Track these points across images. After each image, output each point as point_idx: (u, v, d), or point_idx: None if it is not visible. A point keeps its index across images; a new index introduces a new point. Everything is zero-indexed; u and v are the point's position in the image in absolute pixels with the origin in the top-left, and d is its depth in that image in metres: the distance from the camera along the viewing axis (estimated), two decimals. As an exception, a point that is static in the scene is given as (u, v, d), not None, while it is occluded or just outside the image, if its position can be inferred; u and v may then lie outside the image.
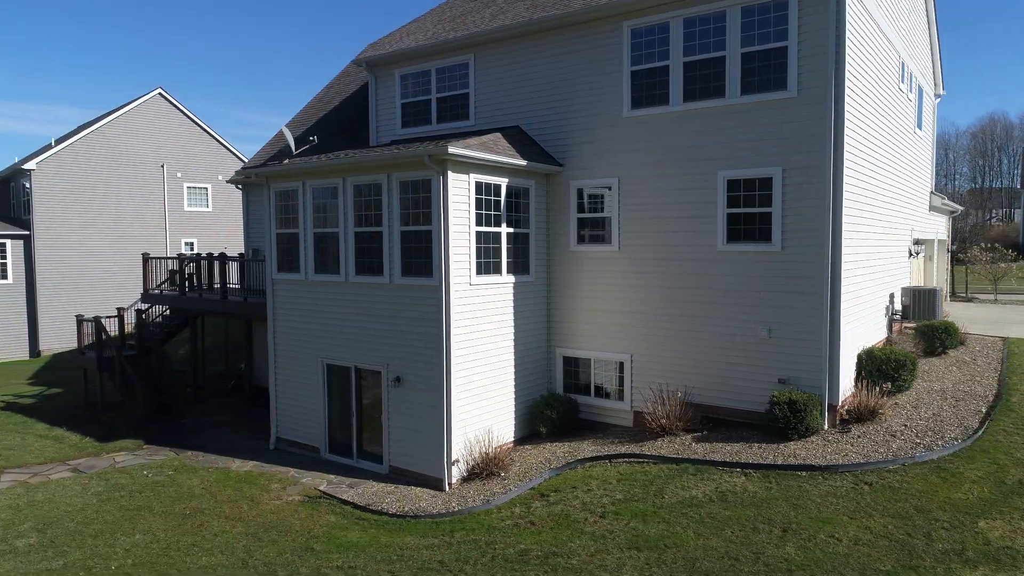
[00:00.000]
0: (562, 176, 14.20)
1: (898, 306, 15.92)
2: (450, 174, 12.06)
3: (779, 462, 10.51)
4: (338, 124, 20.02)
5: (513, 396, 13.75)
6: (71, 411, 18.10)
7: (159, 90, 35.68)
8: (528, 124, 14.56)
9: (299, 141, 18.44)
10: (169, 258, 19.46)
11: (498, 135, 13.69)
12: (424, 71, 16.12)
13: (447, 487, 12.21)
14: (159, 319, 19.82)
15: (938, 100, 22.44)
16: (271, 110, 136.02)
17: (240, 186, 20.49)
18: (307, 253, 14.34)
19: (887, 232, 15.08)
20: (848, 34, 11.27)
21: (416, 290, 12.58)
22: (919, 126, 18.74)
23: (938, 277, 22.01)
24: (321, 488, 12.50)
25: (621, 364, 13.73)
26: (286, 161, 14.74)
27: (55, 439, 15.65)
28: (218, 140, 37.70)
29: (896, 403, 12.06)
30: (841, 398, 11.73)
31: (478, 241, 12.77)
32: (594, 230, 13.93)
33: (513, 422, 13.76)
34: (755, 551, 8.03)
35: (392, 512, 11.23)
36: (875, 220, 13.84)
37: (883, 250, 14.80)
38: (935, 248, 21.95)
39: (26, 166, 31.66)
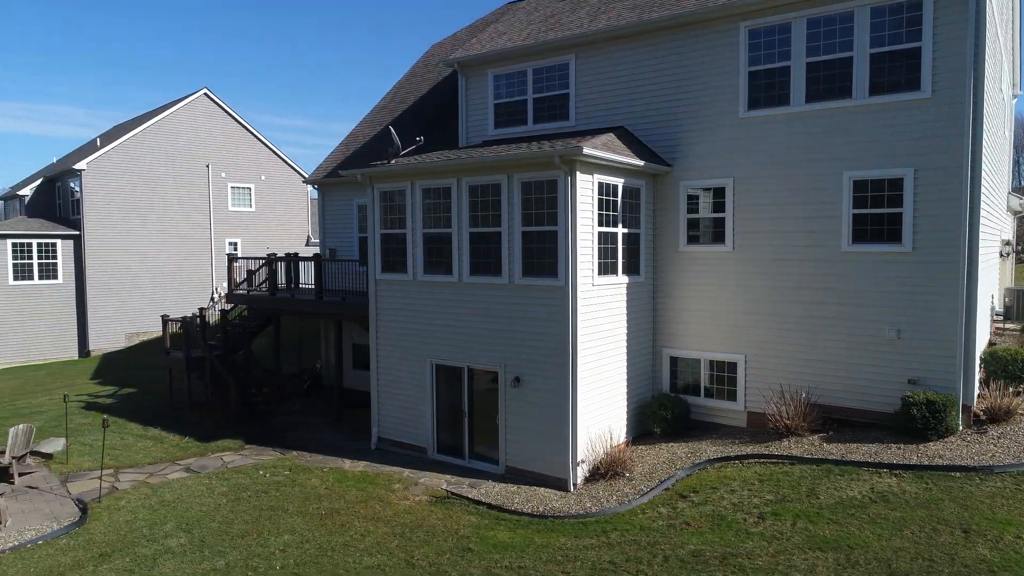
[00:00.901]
0: (671, 176, 14.21)
1: (999, 307, 15.91)
2: (578, 174, 12.08)
3: (925, 462, 10.50)
4: (416, 124, 20.03)
5: (625, 396, 13.77)
6: (156, 411, 18.11)
7: (204, 90, 35.73)
8: (632, 124, 14.57)
9: (378, 139, 18.45)
10: (252, 258, 19.46)
11: (611, 135, 13.70)
12: (520, 71, 16.12)
13: (572, 487, 12.22)
14: (236, 319, 19.85)
15: (1015, 100, 22.45)
16: (290, 112, 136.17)
17: (316, 187, 20.50)
18: (415, 254, 14.35)
19: (991, 233, 15.08)
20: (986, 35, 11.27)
21: (539, 290, 12.59)
22: (1004, 125, 18.74)
23: (1011, 277, 22.00)
24: (445, 488, 12.52)
25: (733, 364, 13.73)
26: (393, 162, 14.75)
27: (154, 439, 15.68)
28: (261, 140, 37.76)
29: None
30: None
31: (599, 242, 12.79)
32: (705, 230, 13.93)
33: (625, 422, 13.78)
34: (947, 552, 8.04)
35: (528, 512, 11.24)
36: (988, 221, 13.84)
37: (989, 251, 14.80)
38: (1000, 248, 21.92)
39: (76, 166, 31.72)
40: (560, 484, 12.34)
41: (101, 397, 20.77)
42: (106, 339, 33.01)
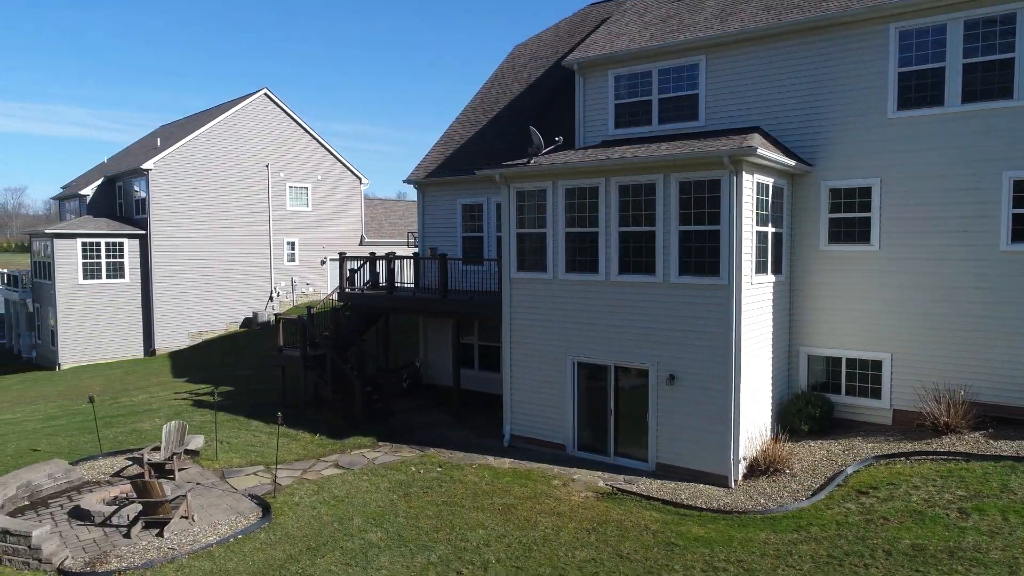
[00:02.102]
0: (812, 176, 14.34)
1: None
2: (743, 174, 12.21)
3: (1109, 459, 10.64)
4: (516, 123, 20.19)
5: (771, 394, 13.91)
6: (270, 408, 18.25)
7: (264, 90, 35.92)
8: (767, 124, 14.70)
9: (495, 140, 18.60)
10: (360, 258, 19.63)
11: (758, 135, 13.82)
12: (644, 72, 16.24)
13: (733, 484, 12.36)
14: (341, 317, 19.99)
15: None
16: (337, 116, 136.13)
17: (416, 186, 20.65)
18: (556, 252, 14.49)
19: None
20: None
21: (699, 289, 12.73)
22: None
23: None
24: (604, 484, 12.66)
25: (878, 363, 13.87)
26: (534, 161, 14.89)
27: (287, 436, 15.83)
28: (318, 140, 37.94)
29: None
30: None
31: (755, 241, 12.93)
32: (848, 229, 14.06)
33: (770, 420, 13.92)
34: None
35: (705, 507, 11.38)
36: None
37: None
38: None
39: (143, 165, 31.92)
40: (720, 480, 12.48)
41: (203, 395, 20.94)
42: (170, 338, 33.24)
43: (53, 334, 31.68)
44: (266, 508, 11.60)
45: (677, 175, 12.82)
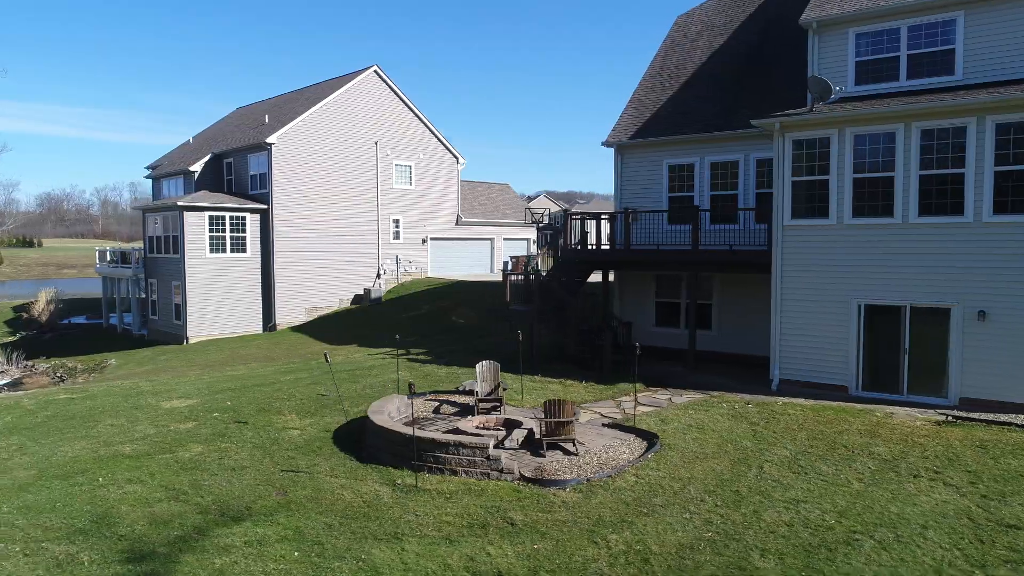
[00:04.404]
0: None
1: None
2: (1073, 114, 12.72)
3: None
4: (715, 86, 20.61)
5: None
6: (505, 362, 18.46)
7: (375, 67, 36.03)
8: (1035, 77, 15.21)
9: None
10: (591, 214, 19.97)
11: (1048, 83, 14.30)
12: (892, 28, 16.68)
13: (1052, 412, 12.88)
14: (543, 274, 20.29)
15: None
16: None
17: (616, 149, 21.00)
18: (842, 198, 14.92)
19: None
20: None
21: (1017, 228, 13.21)
22: None
23: None
24: (928, 416, 13.14)
25: None
26: (816, 108, 15.31)
27: (557, 383, 16.14)
28: (421, 119, 38.11)
29: None
30: None
31: (1066, 181, 13.43)
32: None
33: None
34: None
35: (1060, 430, 11.89)
36: None
37: None
38: None
39: (268, 139, 31.93)
40: (1036, 410, 12.99)
41: (399, 355, 21.12)
42: (289, 313, 33.33)
43: (179, 308, 31.61)
44: (642, 434, 11.93)
45: (994, 117, 13.30)
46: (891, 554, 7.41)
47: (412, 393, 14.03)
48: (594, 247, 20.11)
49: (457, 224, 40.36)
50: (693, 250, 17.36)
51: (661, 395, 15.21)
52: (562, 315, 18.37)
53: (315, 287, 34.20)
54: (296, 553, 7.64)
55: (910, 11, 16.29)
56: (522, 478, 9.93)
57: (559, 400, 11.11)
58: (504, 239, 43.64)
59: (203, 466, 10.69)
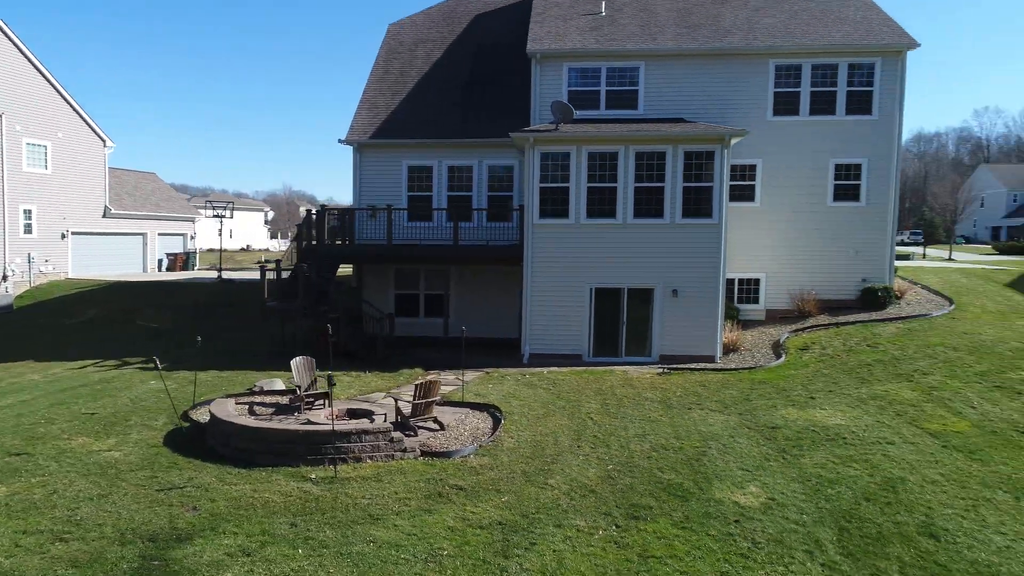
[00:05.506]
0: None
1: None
2: (729, 147, 18.12)
3: (889, 317, 19.53)
4: (445, 93, 22.80)
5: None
6: (247, 359, 17.84)
7: (-4, 21, 29.20)
8: (688, 115, 20.88)
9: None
10: (340, 209, 20.01)
11: (695, 124, 19.83)
12: (594, 68, 20.99)
13: (718, 359, 18.28)
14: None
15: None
16: None
17: (355, 147, 21.61)
18: (579, 202, 18.43)
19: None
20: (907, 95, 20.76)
21: (696, 228, 18.24)
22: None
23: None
24: (649, 370, 17.38)
25: (758, 280, 21.28)
26: (559, 128, 18.43)
27: (352, 376, 16.47)
28: (58, 90, 32.13)
29: (914, 288, 22.28)
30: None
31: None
32: (741, 191, 21.09)
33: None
34: (924, 342, 16.76)
35: (722, 369, 17.03)
36: (853, 192, 23.84)
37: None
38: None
39: None
40: (709, 359, 18.26)
41: (138, 362, 18.57)
42: None
43: None
44: (475, 407, 13.44)
45: (684, 147, 18.13)
46: (731, 455, 10.53)
47: (253, 391, 13.16)
48: (342, 242, 20.47)
49: (105, 216, 35.07)
50: (455, 246, 19.24)
51: (448, 375, 16.80)
52: (322, 310, 18.50)
53: None
54: (299, 551, 7.48)
55: (608, 56, 20.68)
56: (424, 454, 10.72)
57: (429, 382, 12.04)
58: (160, 234, 39.20)
59: (44, 505, 8.87)
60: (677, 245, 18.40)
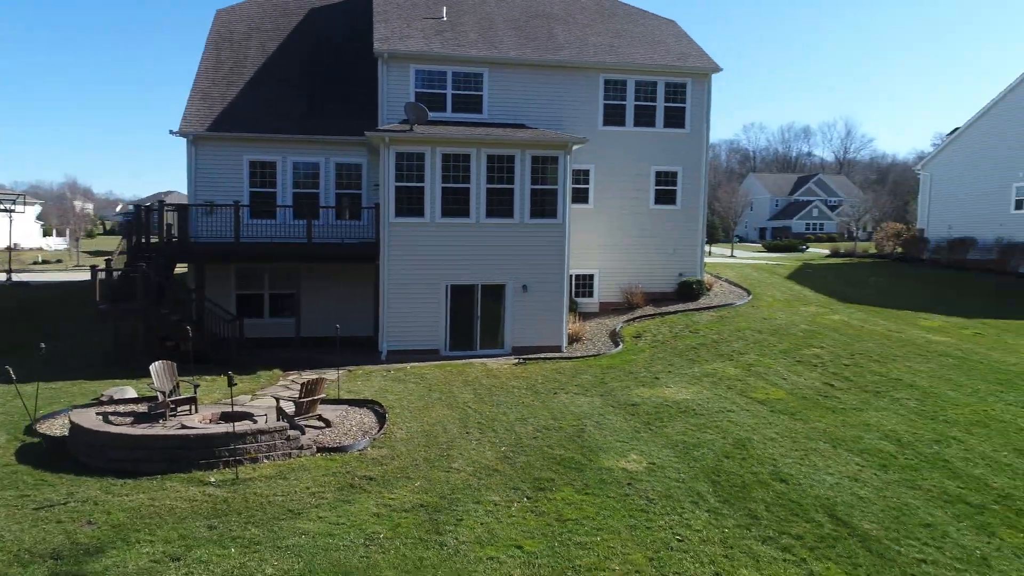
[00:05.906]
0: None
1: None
2: (571, 153, 19.68)
3: (702, 307, 22.44)
4: (290, 86, 22.21)
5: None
6: (92, 366, 16.36)
7: None
8: (529, 122, 22.28)
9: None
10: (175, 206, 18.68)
11: (537, 130, 21.26)
12: (440, 72, 21.64)
13: (564, 349, 19.86)
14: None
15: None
16: None
17: (189, 139, 20.32)
18: (433, 202, 18.98)
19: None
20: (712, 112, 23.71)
21: (543, 227, 19.60)
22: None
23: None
24: (505, 361, 18.45)
25: (592, 275, 23.26)
26: (414, 129, 18.78)
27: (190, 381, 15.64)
28: None
29: (719, 281, 25.45)
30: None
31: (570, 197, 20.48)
32: (577, 194, 22.88)
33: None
34: (731, 330, 19.83)
35: (575, 356, 18.61)
36: (667, 197, 26.77)
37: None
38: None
39: None
40: (556, 349, 19.78)
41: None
42: None
43: None
44: (352, 403, 13.54)
45: (532, 151, 19.38)
46: (606, 430, 11.78)
47: (102, 400, 12.12)
48: (171, 239, 19.17)
49: None
50: (308, 244, 18.87)
51: (309, 374, 16.56)
52: (163, 312, 17.33)
53: None
54: (231, 550, 7.39)
55: (454, 60, 21.46)
56: (320, 450, 10.76)
57: (316, 379, 12.01)
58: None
59: None
60: (526, 244, 19.63)
